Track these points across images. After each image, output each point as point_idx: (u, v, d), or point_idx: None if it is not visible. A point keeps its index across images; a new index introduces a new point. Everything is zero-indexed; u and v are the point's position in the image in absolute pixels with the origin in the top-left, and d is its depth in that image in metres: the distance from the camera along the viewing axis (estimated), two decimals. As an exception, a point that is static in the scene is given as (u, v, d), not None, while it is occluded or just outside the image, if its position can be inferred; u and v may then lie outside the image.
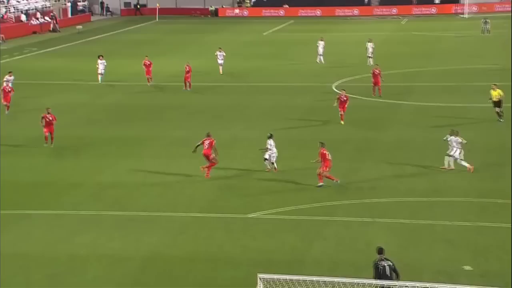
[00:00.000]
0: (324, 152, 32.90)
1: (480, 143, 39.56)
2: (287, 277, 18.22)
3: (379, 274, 20.51)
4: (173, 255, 26.61)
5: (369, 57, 62.72)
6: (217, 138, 36.71)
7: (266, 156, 34.36)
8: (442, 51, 70.62)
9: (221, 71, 60.08)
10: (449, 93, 51.95)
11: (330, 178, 32.89)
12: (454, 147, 34.51)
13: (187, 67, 55.45)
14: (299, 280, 18.19)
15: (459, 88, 53.73)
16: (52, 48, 78.62)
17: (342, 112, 43.60)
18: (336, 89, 54.22)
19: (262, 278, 17.82)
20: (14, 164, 37.29)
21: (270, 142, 34.81)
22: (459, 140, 34.47)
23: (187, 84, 55.13)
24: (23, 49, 77.39)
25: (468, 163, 34.50)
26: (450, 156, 34.74)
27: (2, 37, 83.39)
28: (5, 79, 50.38)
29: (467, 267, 24.98)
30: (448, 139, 34.74)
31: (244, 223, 29.31)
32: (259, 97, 52.25)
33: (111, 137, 42.79)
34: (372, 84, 50.95)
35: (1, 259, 26.32)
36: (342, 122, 43.28)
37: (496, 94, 42.43)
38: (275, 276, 18.10)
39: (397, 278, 20.69)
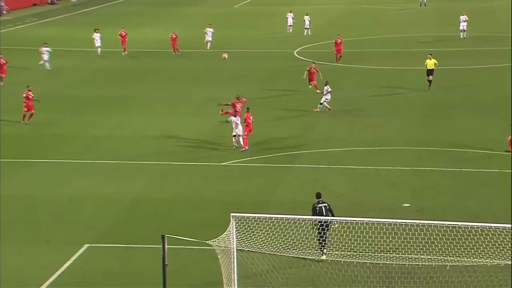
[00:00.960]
0: (248, 116, 31.31)
1: (417, 99, 39.83)
2: (256, 215, 18.35)
3: (316, 214, 20.24)
4: (158, 198, 26.62)
5: (306, 28, 61.45)
6: (193, 98, 36.52)
7: (234, 133, 31.56)
8: (387, 22, 70.47)
9: (208, 47, 55.47)
10: (391, 58, 52.01)
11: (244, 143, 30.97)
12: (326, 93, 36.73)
13: (173, 34, 54.70)
14: (266, 217, 18.34)
15: (400, 54, 53.80)
16: (50, 19, 77.16)
17: (313, 83, 40.64)
18: (297, 54, 54.07)
19: (235, 216, 17.95)
20: (16, 119, 36.80)
21: (327, 88, 36.68)
22: (329, 89, 36.75)
23: (175, 49, 54.51)
24: (24, 19, 75.86)
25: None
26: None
27: (7, 9, 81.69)
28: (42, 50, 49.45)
29: (406, 204, 25.32)
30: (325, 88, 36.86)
31: (219, 170, 29.35)
32: (230, 62, 51.85)
33: (103, 96, 42.39)
34: (335, 52, 49.85)
35: (11, 200, 26.19)
36: (318, 91, 39.64)
37: (431, 63, 40.91)
38: (245, 215, 18.23)
39: (332, 215, 20.27)
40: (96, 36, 53.85)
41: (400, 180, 27.92)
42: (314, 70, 40.83)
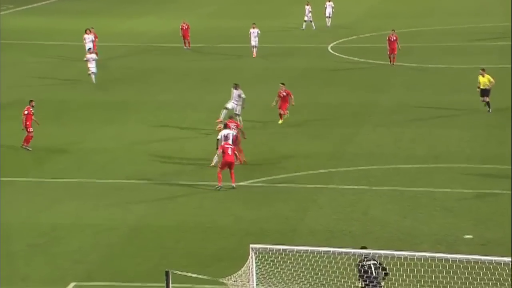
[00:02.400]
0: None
1: (482, 106, 39.64)
2: (281, 247, 18.35)
3: (364, 273, 18.71)
4: (162, 225, 26.71)
5: (328, 17, 61.45)
6: (205, 103, 36.60)
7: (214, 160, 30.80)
8: (442, 10, 70.40)
9: (254, 53, 52.39)
10: (449, 54, 51.93)
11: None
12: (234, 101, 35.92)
13: (184, 24, 54.92)
14: (293, 250, 18.33)
15: (460, 48, 53.69)
16: (30, 6, 77.93)
17: (281, 112, 37.10)
18: (332, 50, 54.20)
19: (254, 248, 17.96)
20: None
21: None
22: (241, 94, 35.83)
23: (186, 42, 54.82)
24: (-1, 6, 76.78)
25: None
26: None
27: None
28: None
29: (468, 236, 25.17)
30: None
31: (235, 192, 29.39)
32: (252, 60, 52.06)
33: (95, 101, 42.73)
34: (388, 52, 48.52)
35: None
36: (280, 121, 37.00)
37: (484, 80, 38.14)
38: (268, 246, 18.23)
39: (385, 275, 19.01)
40: (87, 38, 51.59)
41: (460, 205, 27.80)
42: (285, 93, 37.18)
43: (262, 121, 37.18)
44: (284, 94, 36.98)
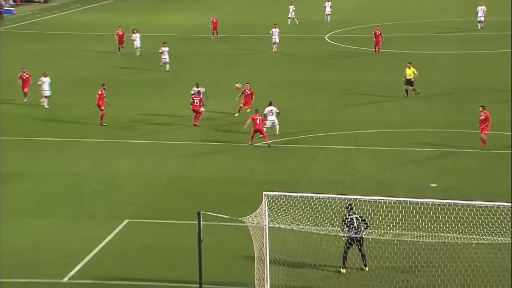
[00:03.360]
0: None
1: (445, 82, 39.30)
2: (287, 194, 18.34)
3: (347, 226, 18.45)
4: (194, 176, 26.72)
5: (327, 15, 59.63)
6: (228, 81, 36.25)
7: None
8: (415, 8, 69.46)
9: (275, 49, 48.71)
10: (419, 42, 51.34)
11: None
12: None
13: (214, 18, 54.42)
14: (297, 196, 18.32)
15: (427, 38, 53.07)
16: (93, 5, 77.54)
17: (242, 105, 33.49)
18: (329, 39, 53.68)
19: (267, 195, 17.96)
20: (62, 101, 37.16)
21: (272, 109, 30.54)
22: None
23: (215, 33, 54.28)
24: (69, 5, 76.37)
25: None
26: None
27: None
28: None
29: (433, 184, 25.07)
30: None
31: (252, 151, 29.32)
32: (263, 46, 51.63)
33: (142, 79, 42.58)
34: (374, 44, 47.08)
35: (57, 177, 26.55)
36: (237, 114, 33.48)
37: (410, 72, 35.94)
38: (277, 193, 18.22)
39: (366, 226, 18.48)
40: (136, 37, 48.55)
41: (428, 161, 27.65)
42: (249, 92, 33.58)
43: (273, 95, 36.94)
44: (248, 92, 33.42)
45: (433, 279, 18.08)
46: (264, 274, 18.06)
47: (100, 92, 33.39)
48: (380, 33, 47.21)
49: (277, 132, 30.51)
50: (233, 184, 25.71)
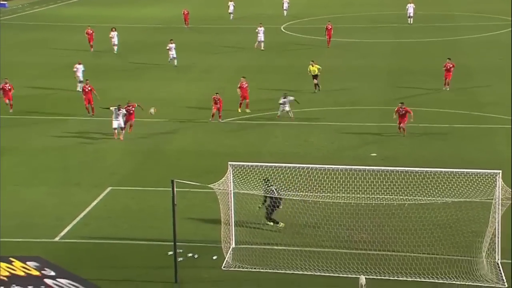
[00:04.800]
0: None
1: (384, 67, 39.48)
2: (250, 163, 18.37)
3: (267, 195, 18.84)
4: (169, 149, 26.55)
5: (285, 10, 58.12)
6: (198, 65, 35.77)
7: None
8: (358, 1, 69.57)
9: (262, 47, 45.06)
10: (362, 32, 51.49)
11: None
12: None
13: (185, 10, 53.08)
14: (258, 165, 18.38)
15: (369, 29, 53.23)
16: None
17: (242, 101, 30.39)
18: (284, 29, 53.46)
19: (232, 165, 17.96)
20: (49, 84, 36.39)
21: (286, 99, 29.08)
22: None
23: (186, 23, 53.31)
24: (56, 0, 74.47)
25: None
26: None
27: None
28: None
29: (373, 154, 25.34)
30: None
31: (219, 127, 29.19)
32: (228, 36, 51.19)
33: (122, 65, 41.88)
34: (327, 37, 45.71)
35: (47, 151, 26.01)
36: (240, 110, 30.37)
37: (314, 69, 34.26)
38: (241, 163, 18.25)
39: (280, 200, 18.78)
40: (113, 34, 44.67)
41: (369, 134, 27.90)
42: (246, 85, 30.30)
43: (237, 78, 36.76)
44: (246, 85, 30.41)
45: (373, 235, 18.36)
46: (229, 233, 18.12)
47: (87, 89, 31.00)
48: (331, 28, 46.31)
49: (291, 115, 29.20)
50: (203, 156, 25.61)
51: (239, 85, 31.06)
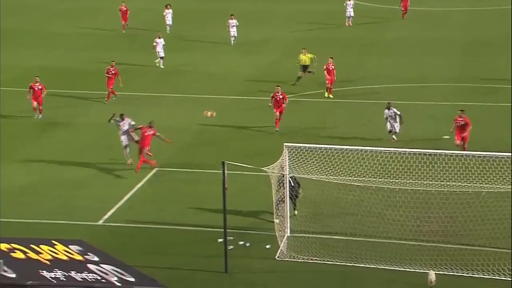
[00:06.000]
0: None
1: (459, 38, 38.36)
2: (307, 145, 18.27)
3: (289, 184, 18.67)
4: (218, 129, 26.67)
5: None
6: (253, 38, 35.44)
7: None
8: None
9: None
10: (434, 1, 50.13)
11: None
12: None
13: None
14: (316, 148, 18.29)
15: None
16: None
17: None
18: None
19: (288, 146, 17.90)
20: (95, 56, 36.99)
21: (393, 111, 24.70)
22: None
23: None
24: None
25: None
26: None
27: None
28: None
29: (446, 137, 24.75)
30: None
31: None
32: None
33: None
34: (402, 9, 43.40)
35: (91, 127, 26.60)
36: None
37: (306, 58, 31.36)
38: (297, 145, 18.19)
39: (298, 186, 18.92)
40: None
41: (441, 114, 27.27)
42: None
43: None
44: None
45: (444, 226, 17.99)
46: (284, 220, 18.10)
47: (111, 73, 29.38)
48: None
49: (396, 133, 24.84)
50: (255, 136, 25.61)
51: (325, 67, 29.69)
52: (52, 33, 42.62)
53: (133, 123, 23.24)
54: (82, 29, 43.64)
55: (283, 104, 26.12)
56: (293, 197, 18.97)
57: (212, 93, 30.86)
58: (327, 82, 29.73)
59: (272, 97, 26.44)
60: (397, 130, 24.82)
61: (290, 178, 18.59)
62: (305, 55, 31.46)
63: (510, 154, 17.03)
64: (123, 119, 23.26)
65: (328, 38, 40.49)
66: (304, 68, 31.42)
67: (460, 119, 23.49)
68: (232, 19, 38.76)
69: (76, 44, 40.03)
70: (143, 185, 21.91)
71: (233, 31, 38.48)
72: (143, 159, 22.49)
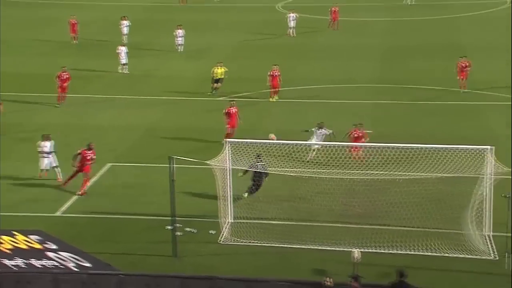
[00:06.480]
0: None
1: (381, 44, 38.98)
2: (246, 140, 18.38)
3: (254, 171, 18.90)
4: (166, 127, 26.50)
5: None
6: (193, 45, 35.30)
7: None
8: None
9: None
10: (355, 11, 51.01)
11: None
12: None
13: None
14: (254, 142, 18.42)
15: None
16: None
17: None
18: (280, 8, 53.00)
19: (228, 142, 17.99)
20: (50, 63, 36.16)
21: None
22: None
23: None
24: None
25: None
26: None
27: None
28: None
29: (368, 131, 25.12)
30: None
31: (217, 105, 29.03)
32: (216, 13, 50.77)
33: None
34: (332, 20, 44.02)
35: (49, 127, 26.00)
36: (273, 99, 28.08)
37: (220, 72, 30.26)
38: (237, 140, 18.28)
39: (266, 176, 18.92)
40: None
41: (363, 111, 27.84)
42: (278, 73, 28.57)
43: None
44: (277, 74, 28.63)
45: (366, 209, 18.44)
46: (227, 208, 18.20)
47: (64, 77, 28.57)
48: (337, 11, 43.05)
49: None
50: (201, 134, 25.55)
51: (269, 73, 29.26)
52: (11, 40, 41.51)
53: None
54: (41, 36, 42.66)
55: (237, 117, 24.70)
56: (255, 185, 18.98)
57: (162, 94, 30.63)
58: (271, 87, 29.47)
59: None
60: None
61: (259, 165, 18.71)
62: (219, 68, 30.25)
63: (419, 145, 17.61)
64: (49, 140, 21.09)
65: (264, 45, 40.71)
66: (216, 81, 30.19)
67: (359, 131, 22.23)
68: (179, 29, 38.40)
69: (34, 51, 39.07)
70: (97, 179, 21.62)
71: (180, 40, 38.16)
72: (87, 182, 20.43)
